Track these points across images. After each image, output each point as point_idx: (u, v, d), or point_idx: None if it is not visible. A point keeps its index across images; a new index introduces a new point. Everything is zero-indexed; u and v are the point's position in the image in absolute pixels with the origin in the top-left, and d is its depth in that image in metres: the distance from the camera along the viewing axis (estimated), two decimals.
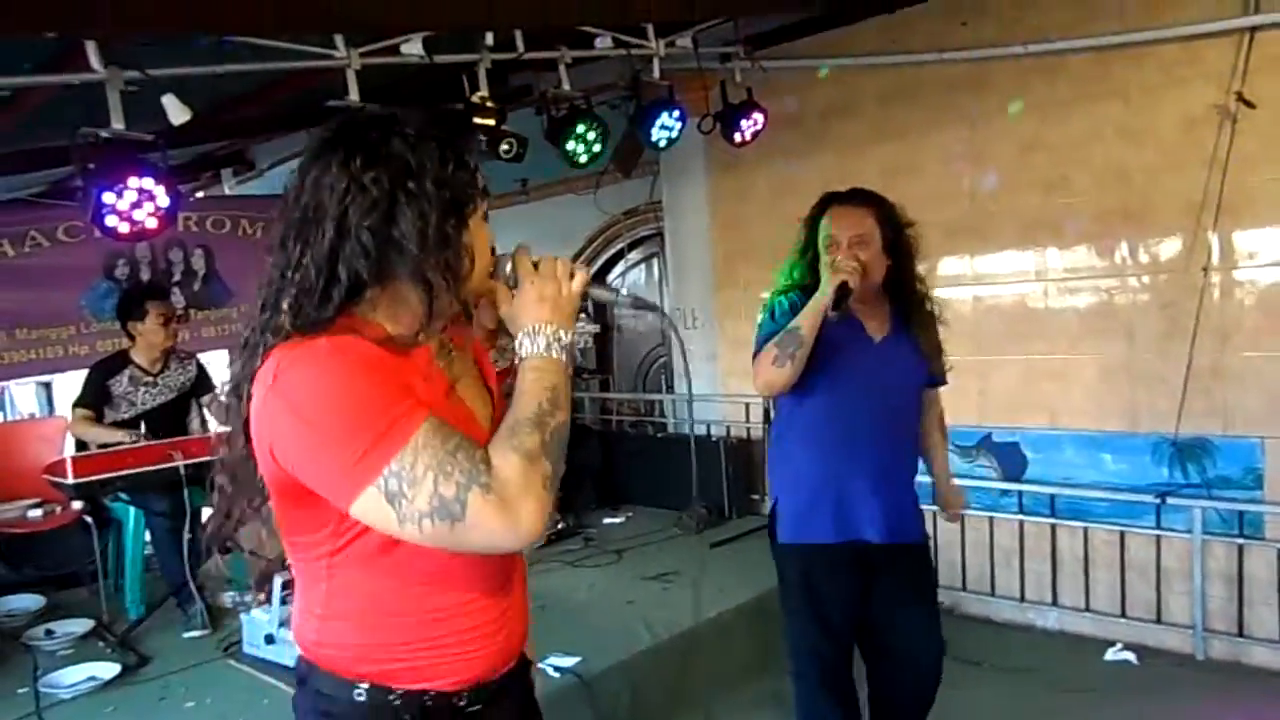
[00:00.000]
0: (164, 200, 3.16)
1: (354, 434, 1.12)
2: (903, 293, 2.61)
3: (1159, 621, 4.05)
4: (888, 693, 2.73)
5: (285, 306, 1.21)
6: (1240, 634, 3.85)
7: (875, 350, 2.55)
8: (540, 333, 1.28)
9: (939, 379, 2.72)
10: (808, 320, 2.41)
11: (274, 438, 1.18)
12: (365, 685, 1.29)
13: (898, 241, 2.57)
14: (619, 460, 5.99)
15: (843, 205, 2.59)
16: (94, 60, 2.89)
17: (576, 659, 3.35)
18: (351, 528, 1.22)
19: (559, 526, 5.19)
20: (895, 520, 2.56)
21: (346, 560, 1.26)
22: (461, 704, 1.34)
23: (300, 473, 1.17)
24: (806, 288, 2.57)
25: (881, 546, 2.54)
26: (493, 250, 1.35)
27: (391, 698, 1.29)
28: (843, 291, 2.40)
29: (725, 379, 5.72)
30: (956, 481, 2.86)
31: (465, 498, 1.11)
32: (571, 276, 1.33)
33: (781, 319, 2.50)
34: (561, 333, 1.29)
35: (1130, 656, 3.96)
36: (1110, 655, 3.99)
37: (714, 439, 5.59)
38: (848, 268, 2.43)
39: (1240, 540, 3.83)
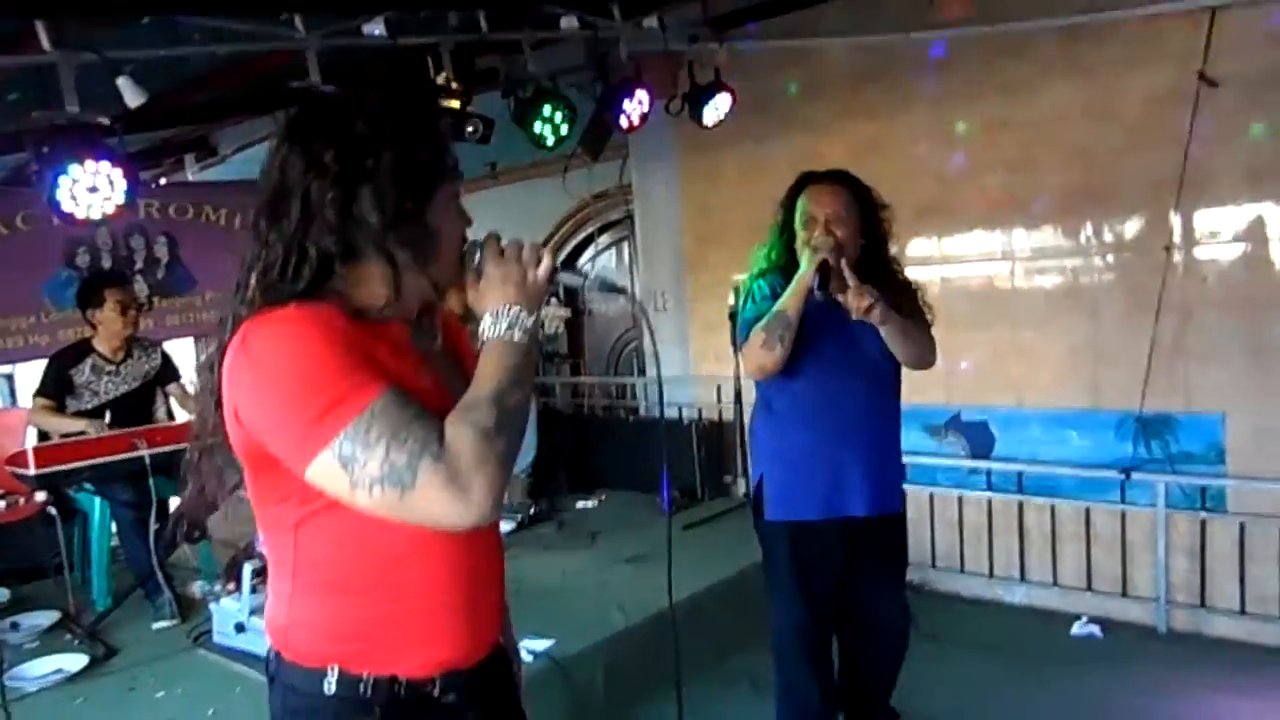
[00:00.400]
0: (121, 183, 3.11)
1: (313, 395, 1.13)
2: (875, 272, 2.63)
3: (1124, 595, 4.12)
4: (860, 660, 2.80)
5: (253, 282, 1.25)
6: (1203, 605, 3.93)
7: (853, 327, 2.55)
8: (503, 315, 1.27)
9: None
10: (792, 301, 2.46)
11: (238, 400, 1.20)
12: (335, 672, 1.28)
13: (872, 222, 2.62)
14: (591, 444, 5.99)
15: (819, 184, 2.62)
16: (45, 41, 2.82)
17: (550, 642, 3.35)
18: (319, 494, 1.22)
19: (532, 511, 5.19)
20: (880, 492, 2.63)
21: (315, 529, 1.26)
22: (434, 693, 1.33)
23: (261, 434, 1.19)
24: (784, 269, 2.61)
25: (866, 519, 2.60)
26: (465, 239, 1.36)
27: (362, 687, 1.28)
28: (824, 270, 2.43)
29: (697, 361, 5.72)
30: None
31: (416, 465, 1.11)
32: (539, 262, 1.33)
33: (763, 303, 2.55)
34: (524, 315, 1.28)
35: (1095, 630, 4.02)
36: (1076, 629, 4.05)
37: (685, 422, 5.60)
38: (825, 245, 2.46)
39: (1203, 514, 3.89)
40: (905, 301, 2.64)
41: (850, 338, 2.56)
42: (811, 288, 2.44)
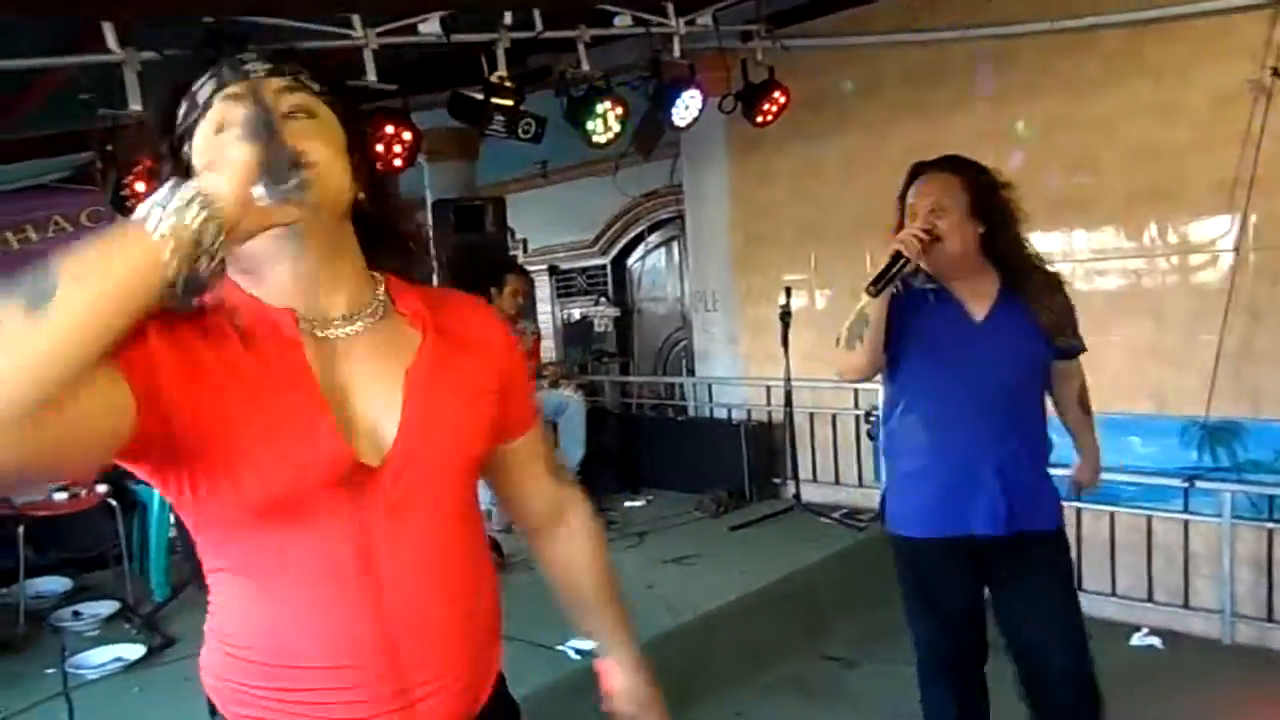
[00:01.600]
0: None
1: None
2: (1005, 259, 2.38)
3: (1186, 606, 4.00)
4: (1034, 697, 2.49)
5: None
6: (1269, 619, 3.80)
7: (978, 330, 2.34)
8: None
9: (1069, 350, 2.46)
10: (870, 300, 2.25)
11: None
12: None
13: (990, 204, 2.35)
14: (640, 443, 5.98)
15: (925, 173, 2.42)
16: (111, 41, 2.89)
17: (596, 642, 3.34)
18: (192, 497, 0.99)
19: None
20: (1012, 509, 2.34)
21: (205, 546, 1.06)
22: None
23: None
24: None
25: (996, 538, 2.35)
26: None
27: None
28: (896, 262, 2.22)
29: (746, 362, 5.69)
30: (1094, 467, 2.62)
31: None
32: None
33: None
34: (166, 192, 0.82)
35: (1156, 641, 3.91)
36: (1136, 640, 3.94)
37: (735, 422, 5.57)
38: (904, 237, 2.25)
39: (1270, 524, 3.77)
40: (1050, 302, 2.37)
41: (975, 342, 2.33)
42: (890, 281, 2.23)
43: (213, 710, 1.10)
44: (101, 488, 4.21)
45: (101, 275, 0.78)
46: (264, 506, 0.97)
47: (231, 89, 0.99)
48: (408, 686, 1.05)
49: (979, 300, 2.36)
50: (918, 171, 2.45)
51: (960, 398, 2.34)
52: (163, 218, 0.80)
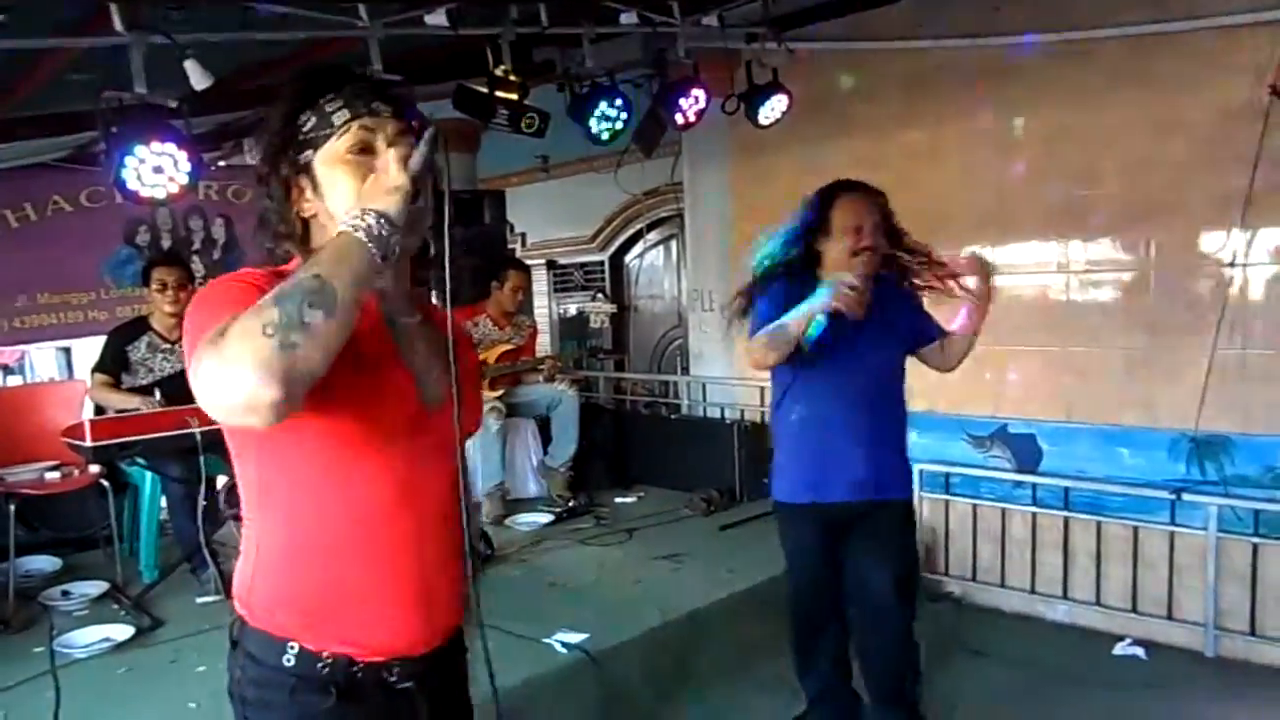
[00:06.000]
0: (185, 165, 3.17)
1: (203, 326, 1.14)
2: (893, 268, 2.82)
3: (1170, 618, 4.03)
4: (862, 656, 2.93)
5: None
6: (1252, 633, 3.83)
7: (856, 330, 2.63)
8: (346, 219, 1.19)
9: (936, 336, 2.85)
10: (797, 323, 2.55)
11: None
12: (295, 647, 1.32)
13: (892, 226, 2.81)
14: (632, 440, 6.00)
15: (855, 193, 2.77)
16: (117, 23, 2.89)
17: (584, 635, 3.36)
18: (268, 449, 1.29)
19: (570, 504, 5.21)
20: (873, 479, 2.77)
21: (272, 489, 1.33)
22: (391, 678, 1.36)
23: None
24: (795, 269, 2.81)
25: (850, 504, 2.78)
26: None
27: (320, 665, 1.31)
28: (837, 316, 2.52)
29: (740, 362, 5.70)
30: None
31: (202, 352, 1.07)
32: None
33: (775, 311, 2.65)
34: (358, 215, 1.17)
35: (1139, 651, 3.95)
36: (1119, 650, 3.98)
37: (727, 422, 5.59)
38: (854, 303, 2.50)
39: (1256, 539, 3.79)
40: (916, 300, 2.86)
41: (855, 342, 2.67)
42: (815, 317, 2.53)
43: (234, 644, 1.38)
44: (94, 468, 4.21)
45: (353, 275, 1.12)
46: (355, 431, 1.29)
47: (367, 120, 1.30)
48: (428, 589, 1.37)
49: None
50: (842, 189, 2.80)
51: (840, 385, 2.82)
52: (366, 230, 1.15)
